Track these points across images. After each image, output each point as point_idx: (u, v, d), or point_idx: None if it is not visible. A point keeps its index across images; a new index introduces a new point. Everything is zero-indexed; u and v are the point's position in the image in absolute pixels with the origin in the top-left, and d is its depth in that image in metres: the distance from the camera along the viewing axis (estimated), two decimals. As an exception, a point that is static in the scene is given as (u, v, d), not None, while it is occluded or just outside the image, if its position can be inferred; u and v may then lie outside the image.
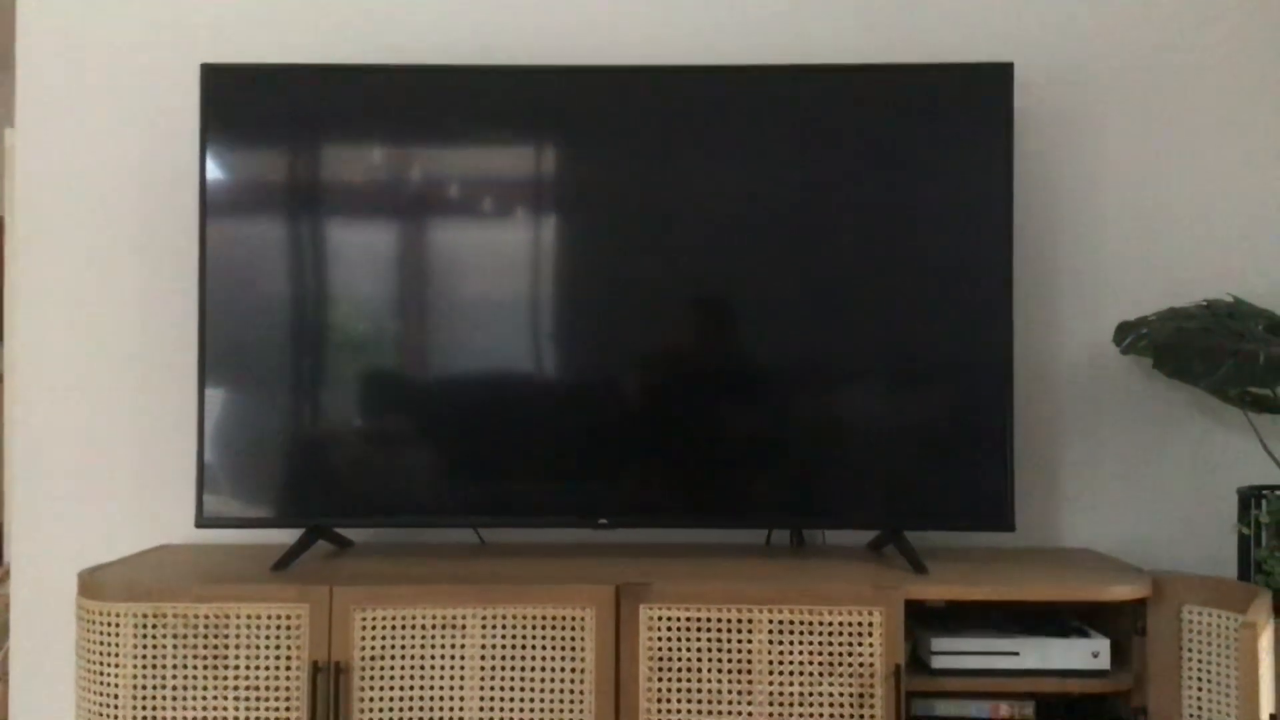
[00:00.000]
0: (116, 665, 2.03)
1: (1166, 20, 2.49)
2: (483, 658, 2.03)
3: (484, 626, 2.03)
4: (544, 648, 2.03)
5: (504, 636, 2.03)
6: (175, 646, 2.02)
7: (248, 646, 2.02)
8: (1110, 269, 2.48)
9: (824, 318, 2.26)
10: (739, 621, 2.03)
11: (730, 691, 2.03)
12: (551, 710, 2.02)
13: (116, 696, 2.03)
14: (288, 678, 2.02)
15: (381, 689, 2.02)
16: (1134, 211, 2.48)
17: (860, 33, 2.49)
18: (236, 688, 2.02)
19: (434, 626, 2.03)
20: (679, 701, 2.03)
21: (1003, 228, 2.24)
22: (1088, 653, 2.07)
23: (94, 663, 2.04)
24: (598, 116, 2.29)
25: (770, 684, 2.02)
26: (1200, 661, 2.06)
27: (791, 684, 2.02)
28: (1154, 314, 2.29)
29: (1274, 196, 2.48)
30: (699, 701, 2.03)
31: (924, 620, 2.15)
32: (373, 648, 2.03)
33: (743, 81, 2.29)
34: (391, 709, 2.02)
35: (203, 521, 2.25)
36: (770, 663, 2.02)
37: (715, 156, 2.27)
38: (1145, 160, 2.48)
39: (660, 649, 2.03)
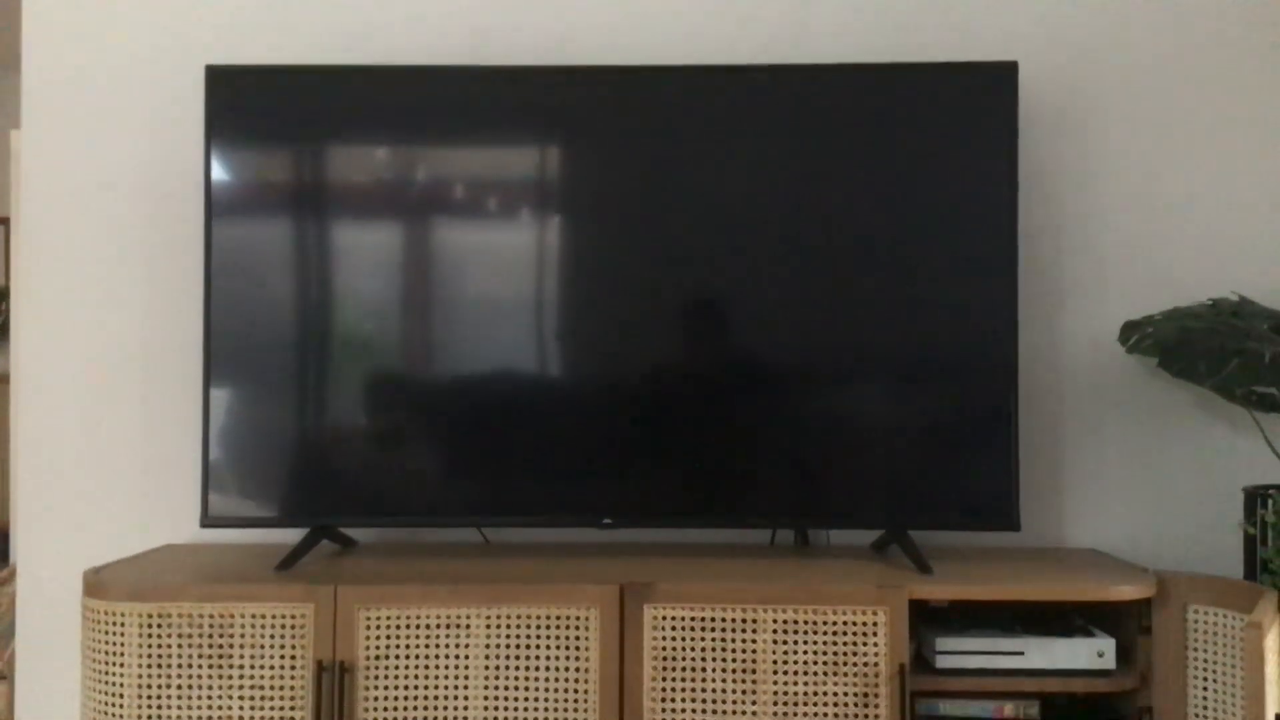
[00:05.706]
0: (121, 665, 2.03)
1: (1169, 18, 2.48)
2: (487, 657, 2.03)
3: (488, 626, 2.03)
4: (548, 647, 2.03)
5: (508, 636, 2.03)
6: (180, 646, 2.03)
7: (252, 646, 2.03)
8: (1114, 268, 2.47)
9: (828, 317, 2.26)
10: (743, 621, 2.03)
11: (734, 691, 2.02)
12: (555, 710, 2.02)
13: (121, 696, 2.03)
14: (292, 677, 2.02)
15: (386, 689, 2.03)
16: (1138, 210, 2.48)
17: (863, 32, 2.49)
18: (241, 687, 2.03)
19: (438, 626, 2.03)
20: (683, 701, 2.03)
21: (1007, 227, 2.23)
22: (1093, 652, 2.07)
23: (99, 662, 2.05)
24: (601, 116, 2.29)
25: (774, 684, 2.02)
26: (1205, 661, 2.06)
27: (796, 684, 2.02)
28: (1159, 313, 2.29)
29: (1279, 195, 2.48)
30: (703, 701, 2.03)
31: (928, 620, 2.15)
32: (377, 647, 2.03)
33: (747, 81, 2.28)
34: (396, 709, 2.03)
35: (207, 521, 2.25)
36: (774, 662, 2.02)
37: (718, 156, 2.27)
38: (1149, 159, 2.48)
39: (664, 649, 2.03)
